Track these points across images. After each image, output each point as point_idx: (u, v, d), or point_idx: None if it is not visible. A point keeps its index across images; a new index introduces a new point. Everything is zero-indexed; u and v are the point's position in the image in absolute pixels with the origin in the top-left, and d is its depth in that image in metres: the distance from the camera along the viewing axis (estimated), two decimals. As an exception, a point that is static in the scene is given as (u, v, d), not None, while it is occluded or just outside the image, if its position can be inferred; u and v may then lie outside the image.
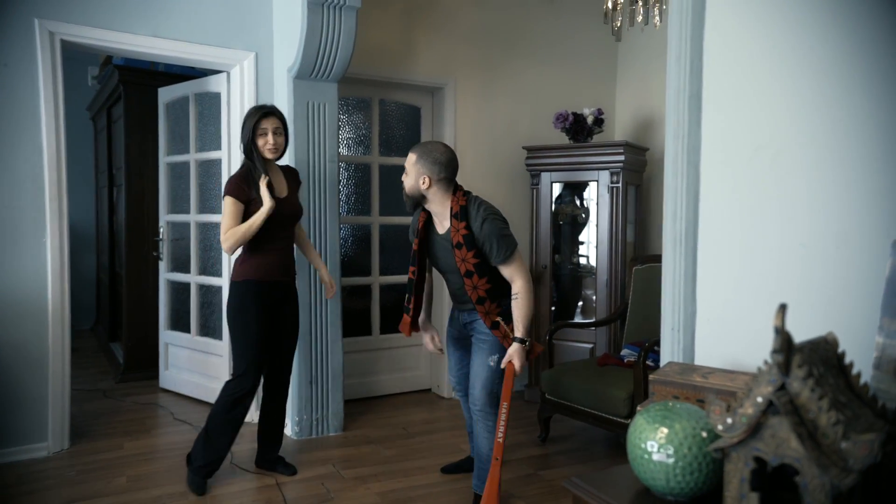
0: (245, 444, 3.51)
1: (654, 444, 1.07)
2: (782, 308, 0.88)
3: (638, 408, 1.22)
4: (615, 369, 3.63)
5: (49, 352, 3.43)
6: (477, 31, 4.54)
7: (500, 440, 2.54)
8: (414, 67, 4.36)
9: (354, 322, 4.41)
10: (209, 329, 4.37)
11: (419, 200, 2.74)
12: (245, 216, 2.93)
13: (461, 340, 2.96)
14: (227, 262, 4.09)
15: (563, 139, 4.53)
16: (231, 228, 2.89)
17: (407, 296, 2.90)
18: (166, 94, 4.61)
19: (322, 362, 3.75)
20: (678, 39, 1.46)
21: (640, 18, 3.29)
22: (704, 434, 1.05)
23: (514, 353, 2.63)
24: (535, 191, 4.44)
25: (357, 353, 4.39)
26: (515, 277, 2.67)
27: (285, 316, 3.15)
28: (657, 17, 3.29)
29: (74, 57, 4.27)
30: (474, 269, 2.63)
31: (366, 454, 3.52)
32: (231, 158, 4.05)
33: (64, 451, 3.48)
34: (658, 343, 3.37)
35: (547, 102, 4.72)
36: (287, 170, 3.22)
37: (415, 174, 2.68)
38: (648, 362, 3.31)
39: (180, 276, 4.54)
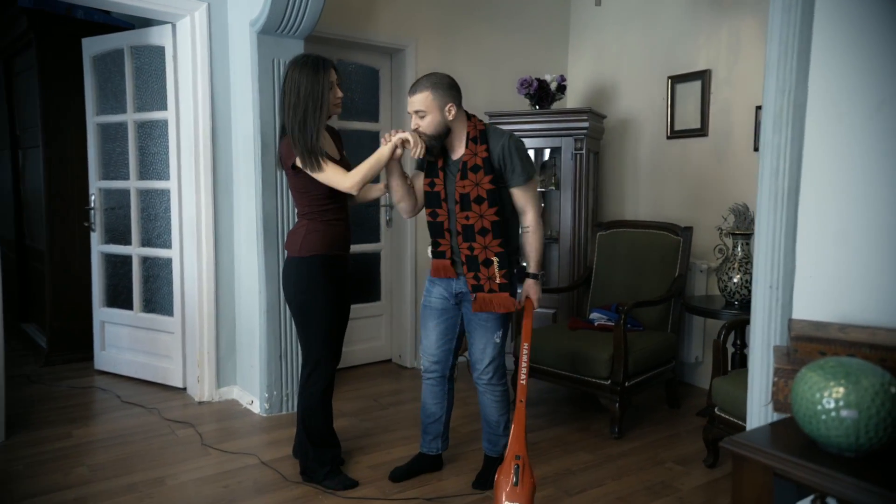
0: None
1: (838, 400, 1.06)
2: None
3: (774, 365, 1.21)
4: (588, 333, 3.70)
5: (-19, 335, 3.05)
6: (437, -8, 4.38)
7: (524, 382, 2.48)
8: (374, 27, 4.16)
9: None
10: (156, 305, 4.04)
11: (444, 137, 2.51)
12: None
13: (447, 312, 2.72)
14: (178, 231, 3.78)
15: (524, 105, 4.50)
16: (343, 172, 2.52)
17: (434, 240, 2.64)
18: (93, 46, 4.12)
19: (291, 337, 3.57)
20: (785, -6, 1.44)
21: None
22: (893, 389, 1.06)
23: (529, 289, 2.61)
24: (496, 157, 4.38)
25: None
26: (528, 208, 2.56)
27: (346, 294, 2.81)
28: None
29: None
30: (486, 196, 2.45)
31: (344, 427, 3.40)
32: (179, 118, 3.71)
33: (1, 444, 3.12)
34: (632, 307, 3.48)
35: (505, 69, 4.65)
36: (331, 130, 2.79)
37: (437, 107, 2.45)
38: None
39: (118, 249, 4.15)
